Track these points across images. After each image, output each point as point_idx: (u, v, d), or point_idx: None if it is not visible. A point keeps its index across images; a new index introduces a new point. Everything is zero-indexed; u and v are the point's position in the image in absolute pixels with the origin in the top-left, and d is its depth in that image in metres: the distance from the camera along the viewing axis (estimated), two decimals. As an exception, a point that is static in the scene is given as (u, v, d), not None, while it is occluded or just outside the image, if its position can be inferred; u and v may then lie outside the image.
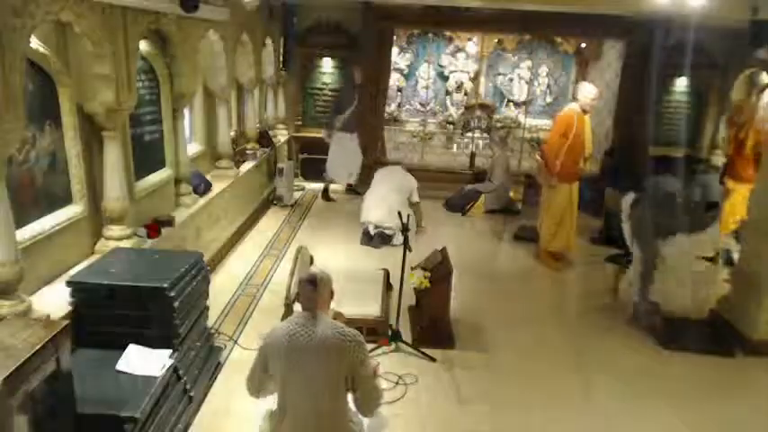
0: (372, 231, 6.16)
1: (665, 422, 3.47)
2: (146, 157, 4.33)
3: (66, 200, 3.43)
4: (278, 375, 2.33)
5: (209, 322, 3.72)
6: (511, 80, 10.45)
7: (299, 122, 9.03)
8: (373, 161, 8.13)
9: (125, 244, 3.63)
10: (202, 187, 5.25)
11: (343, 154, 7.85)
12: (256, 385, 2.43)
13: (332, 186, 8.12)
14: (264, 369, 2.36)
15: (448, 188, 8.16)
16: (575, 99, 5.57)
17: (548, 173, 5.60)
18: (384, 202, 6.13)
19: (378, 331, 4.08)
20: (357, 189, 8.01)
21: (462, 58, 10.19)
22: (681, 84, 8.54)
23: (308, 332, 2.28)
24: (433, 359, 3.95)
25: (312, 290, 2.36)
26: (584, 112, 5.47)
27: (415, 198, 6.55)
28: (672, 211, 4.59)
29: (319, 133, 8.11)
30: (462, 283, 5.19)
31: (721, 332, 4.53)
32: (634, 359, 4.19)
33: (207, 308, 3.57)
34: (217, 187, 5.52)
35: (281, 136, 8.56)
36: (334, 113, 7.85)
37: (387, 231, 6.14)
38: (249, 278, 5.19)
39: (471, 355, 4.10)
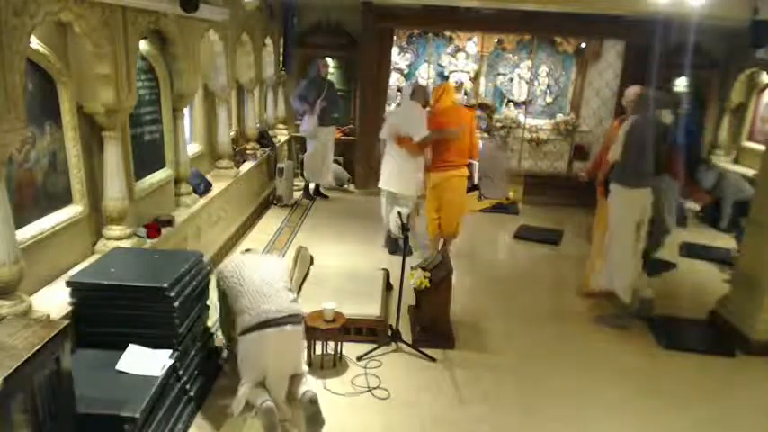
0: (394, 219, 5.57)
1: (664, 422, 3.47)
2: (146, 157, 4.33)
3: (67, 200, 3.43)
4: None
5: (209, 322, 3.72)
6: (511, 80, 10.42)
7: (300, 122, 9.01)
8: (375, 161, 8.10)
9: (125, 244, 3.63)
10: (202, 187, 5.24)
11: (323, 150, 7.63)
12: None
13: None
14: None
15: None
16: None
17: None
18: (401, 171, 5.66)
19: (377, 331, 4.08)
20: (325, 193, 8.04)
21: (462, 58, 10.16)
22: (681, 84, 8.53)
23: None
24: (433, 359, 3.95)
25: None
26: None
27: (417, 137, 5.39)
28: None
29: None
30: (462, 283, 5.20)
31: (721, 332, 4.54)
32: (634, 359, 4.19)
33: (207, 308, 3.57)
34: (217, 187, 5.52)
35: (281, 136, 8.56)
36: (302, 99, 7.45)
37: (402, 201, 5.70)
38: (249, 278, 5.18)
39: (471, 355, 4.10)
